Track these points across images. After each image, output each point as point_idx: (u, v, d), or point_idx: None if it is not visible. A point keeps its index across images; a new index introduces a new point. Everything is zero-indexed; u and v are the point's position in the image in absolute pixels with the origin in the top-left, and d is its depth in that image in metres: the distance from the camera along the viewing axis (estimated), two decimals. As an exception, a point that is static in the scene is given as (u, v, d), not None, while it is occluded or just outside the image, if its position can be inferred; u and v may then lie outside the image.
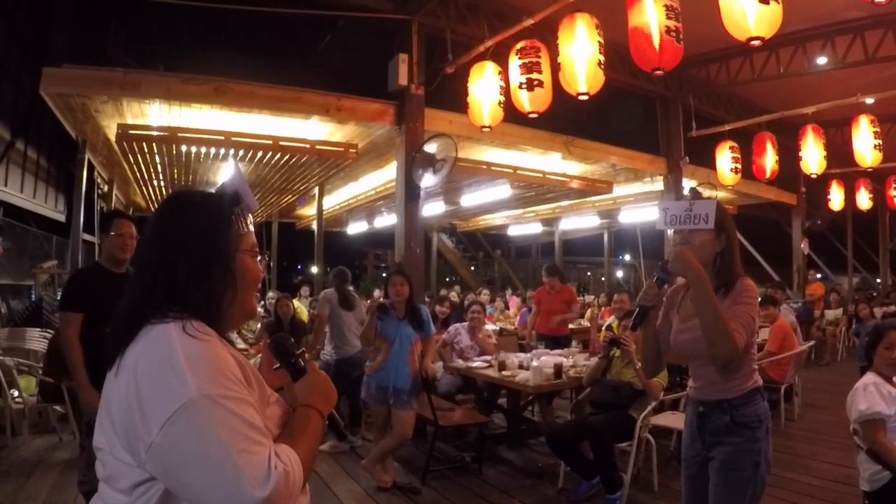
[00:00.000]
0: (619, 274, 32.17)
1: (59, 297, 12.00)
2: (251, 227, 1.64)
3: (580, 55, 6.69)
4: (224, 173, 11.86)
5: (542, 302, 8.93)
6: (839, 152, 13.05)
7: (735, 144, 12.43)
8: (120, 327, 1.45)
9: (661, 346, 3.17)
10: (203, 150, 10.23)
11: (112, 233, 4.39)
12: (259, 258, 1.65)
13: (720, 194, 14.78)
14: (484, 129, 8.39)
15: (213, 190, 1.66)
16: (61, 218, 15.18)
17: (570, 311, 9.66)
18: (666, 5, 5.98)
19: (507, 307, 15.21)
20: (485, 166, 12.05)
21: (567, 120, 10.83)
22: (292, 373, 1.70)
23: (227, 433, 1.27)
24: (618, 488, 5.30)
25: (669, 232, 3.10)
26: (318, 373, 1.71)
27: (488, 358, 7.55)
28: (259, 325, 9.55)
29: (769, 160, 11.72)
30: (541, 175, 12.92)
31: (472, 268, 27.57)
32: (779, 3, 5.53)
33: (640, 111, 14.27)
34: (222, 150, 10.19)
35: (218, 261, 1.51)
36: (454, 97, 9.23)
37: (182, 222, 1.54)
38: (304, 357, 1.74)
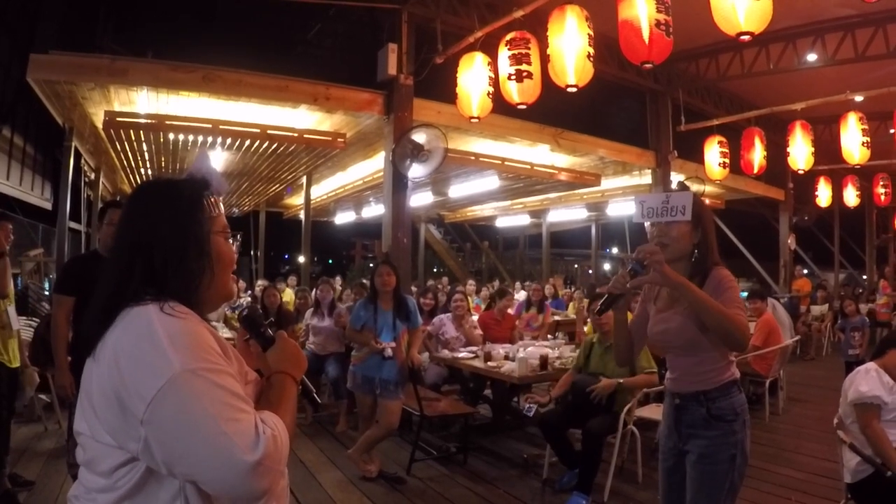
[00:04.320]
0: (607, 267, 32.18)
1: (45, 285, 12.03)
2: (222, 209, 1.65)
3: (570, 47, 6.69)
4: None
5: (490, 328, 8.75)
6: (827, 149, 13.09)
7: (724, 139, 12.45)
8: (98, 313, 1.46)
9: (634, 336, 3.18)
10: (190, 137, 10.19)
11: (105, 222, 4.58)
12: (231, 240, 1.66)
13: (708, 189, 14.84)
14: (472, 120, 8.39)
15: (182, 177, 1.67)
16: (48, 206, 15.11)
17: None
18: (656, -2, 5.99)
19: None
20: (473, 157, 12.04)
21: (556, 112, 10.82)
22: (262, 343, 1.74)
23: (213, 404, 1.30)
24: (588, 492, 5.28)
25: (647, 225, 3.10)
26: (287, 341, 1.75)
27: (474, 349, 7.56)
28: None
29: (757, 155, 11.76)
30: (529, 167, 12.92)
31: (460, 259, 27.55)
32: (769, -3, 5.55)
33: (629, 105, 14.29)
34: (210, 139, 10.14)
35: (193, 244, 1.52)
36: (443, 88, 9.21)
37: (154, 208, 1.55)
38: (272, 327, 1.78)
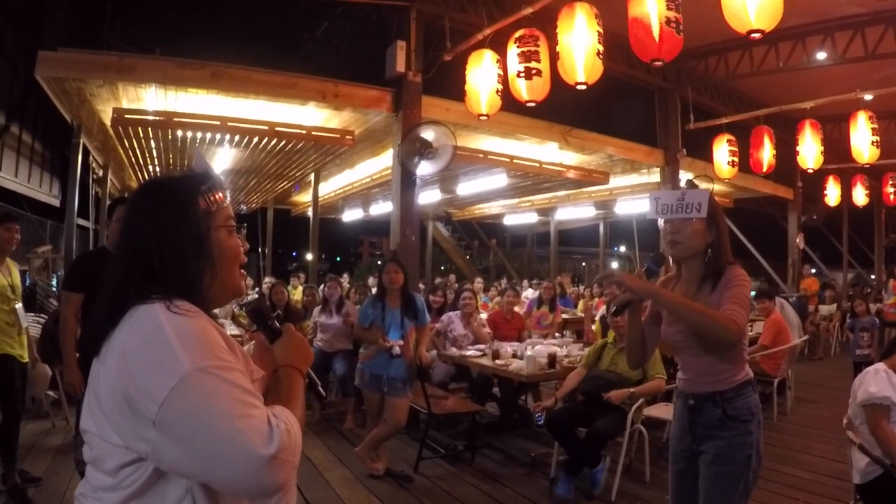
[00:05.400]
0: (615, 265, 32.14)
1: (53, 282, 12.05)
2: (226, 202, 1.63)
3: (579, 45, 6.68)
4: (219, 159, 11.84)
5: (500, 328, 8.74)
6: (837, 148, 13.04)
7: (733, 138, 12.42)
8: (103, 313, 1.45)
9: (647, 337, 3.15)
10: (199, 135, 10.18)
11: (113, 219, 4.58)
12: (237, 232, 1.64)
13: (717, 187, 14.78)
14: (481, 118, 8.38)
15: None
16: (56, 203, 15.16)
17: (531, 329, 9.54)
18: (666, -4, 5.98)
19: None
20: (481, 155, 12.02)
21: (565, 110, 10.80)
22: (268, 335, 1.74)
23: (226, 402, 1.29)
24: (575, 473, 5.42)
25: (660, 222, 3.06)
26: (294, 334, 1.75)
27: (482, 347, 7.55)
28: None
29: (766, 154, 11.72)
30: (537, 164, 12.89)
31: (468, 256, 27.53)
32: (780, -5, 5.53)
33: (638, 102, 14.25)
34: (218, 136, 10.14)
35: (188, 242, 1.50)
36: (452, 85, 9.21)
37: (149, 208, 1.55)
38: (279, 319, 1.79)
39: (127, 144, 11.20)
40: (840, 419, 4.30)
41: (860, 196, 15.70)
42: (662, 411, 6.16)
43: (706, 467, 2.91)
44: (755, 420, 2.88)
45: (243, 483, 1.28)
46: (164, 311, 1.37)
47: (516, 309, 9.06)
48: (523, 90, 7.48)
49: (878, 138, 10.24)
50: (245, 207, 20.26)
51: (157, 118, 9.20)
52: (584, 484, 5.53)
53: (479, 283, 15.22)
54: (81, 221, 12.70)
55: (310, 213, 14.39)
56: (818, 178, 15.10)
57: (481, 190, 15.36)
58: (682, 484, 3.05)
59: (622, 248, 35.49)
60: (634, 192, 16.33)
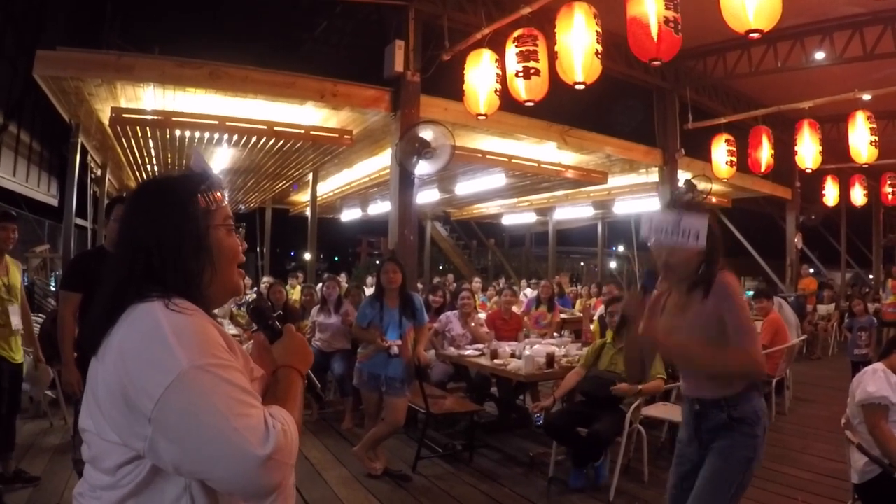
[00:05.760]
0: (613, 265, 32.14)
1: (51, 282, 12.04)
2: (224, 201, 1.63)
3: (577, 44, 6.68)
4: (217, 159, 11.83)
5: (498, 329, 8.73)
6: (835, 148, 13.03)
7: (731, 137, 12.43)
8: (102, 312, 1.45)
9: (644, 354, 3.15)
10: (197, 134, 10.15)
11: (111, 218, 4.59)
12: (236, 231, 1.64)
13: (715, 187, 14.79)
14: (479, 117, 8.37)
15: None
16: (54, 202, 15.15)
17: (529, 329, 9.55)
18: (665, -5, 5.98)
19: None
20: (480, 154, 12.00)
21: (563, 109, 10.79)
22: (269, 335, 1.74)
23: (222, 400, 1.28)
24: (583, 465, 5.61)
25: (652, 241, 2.97)
26: (294, 334, 1.74)
27: (480, 346, 7.54)
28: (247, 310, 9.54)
29: (765, 154, 11.71)
30: (536, 164, 12.88)
31: (466, 256, 27.51)
32: (778, -5, 5.53)
33: (636, 102, 14.26)
34: (216, 135, 10.11)
35: (188, 240, 1.50)
36: (450, 85, 9.21)
37: (149, 208, 1.54)
38: (280, 320, 1.77)
39: (125, 144, 11.18)
40: (838, 419, 4.30)
41: (858, 196, 15.72)
42: (661, 411, 6.17)
43: (707, 461, 2.91)
44: (761, 424, 2.87)
45: (238, 482, 1.28)
46: (163, 309, 1.37)
47: (514, 309, 9.06)
48: (522, 90, 7.48)
49: (876, 138, 10.23)
50: (243, 207, 20.24)
51: (156, 117, 9.17)
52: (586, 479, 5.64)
53: (477, 282, 15.21)
54: (80, 221, 12.69)
55: (308, 212, 14.36)
56: (816, 177, 15.12)
57: (480, 189, 15.35)
58: (683, 486, 3.03)
59: (620, 248, 35.45)
60: (633, 192, 16.35)
